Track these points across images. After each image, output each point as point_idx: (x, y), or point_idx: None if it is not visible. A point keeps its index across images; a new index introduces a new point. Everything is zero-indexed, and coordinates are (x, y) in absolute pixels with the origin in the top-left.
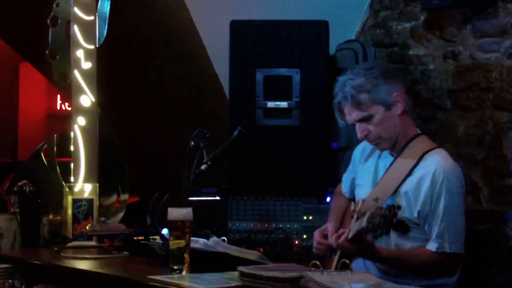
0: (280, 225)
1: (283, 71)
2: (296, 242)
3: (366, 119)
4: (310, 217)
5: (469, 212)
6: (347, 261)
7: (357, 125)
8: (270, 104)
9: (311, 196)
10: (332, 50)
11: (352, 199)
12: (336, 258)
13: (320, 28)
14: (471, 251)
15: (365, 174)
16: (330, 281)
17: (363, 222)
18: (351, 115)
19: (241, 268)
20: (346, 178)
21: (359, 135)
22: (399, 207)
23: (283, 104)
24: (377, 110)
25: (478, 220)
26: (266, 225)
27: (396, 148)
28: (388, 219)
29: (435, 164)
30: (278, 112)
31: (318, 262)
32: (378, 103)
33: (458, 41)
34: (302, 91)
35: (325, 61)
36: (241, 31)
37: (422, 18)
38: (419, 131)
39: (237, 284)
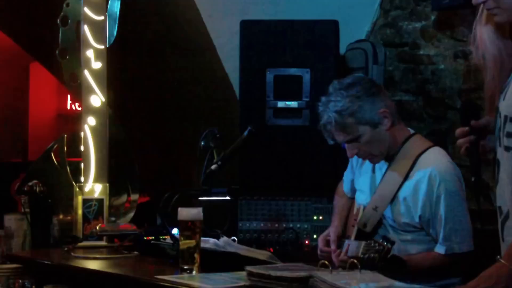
0: (290, 225)
1: (293, 71)
2: (306, 242)
3: (354, 140)
4: (320, 217)
5: (480, 212)
6: (356, 261)
7: (346, 145)
8: (280, 104)
9: (321, 196)
10: (342, 49)
11: (354, 198)
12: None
13: (330, 28)
14: (481, 252)
15: (363, 179)
16: (339, 280)
17: (360, 250)
18: (339, 137)
19: (249, 268)
20: (346, 178)
21: (349, 154)
22: (393, 243)
23: (293, 104)
24: (364, 131)
25: (489, 220)
26: (276, 225)
27: (390, 153)
28: (383, 254)
29: (430, 166)
30: (288, 112)
31: (327, 262)
32: (364, 123)
33: (469, 40)
34: (312, 91)
35: (335, 60)
36: (251, 31)
37: (433, 17)
38: (411, 131)
39: (245, 283)
